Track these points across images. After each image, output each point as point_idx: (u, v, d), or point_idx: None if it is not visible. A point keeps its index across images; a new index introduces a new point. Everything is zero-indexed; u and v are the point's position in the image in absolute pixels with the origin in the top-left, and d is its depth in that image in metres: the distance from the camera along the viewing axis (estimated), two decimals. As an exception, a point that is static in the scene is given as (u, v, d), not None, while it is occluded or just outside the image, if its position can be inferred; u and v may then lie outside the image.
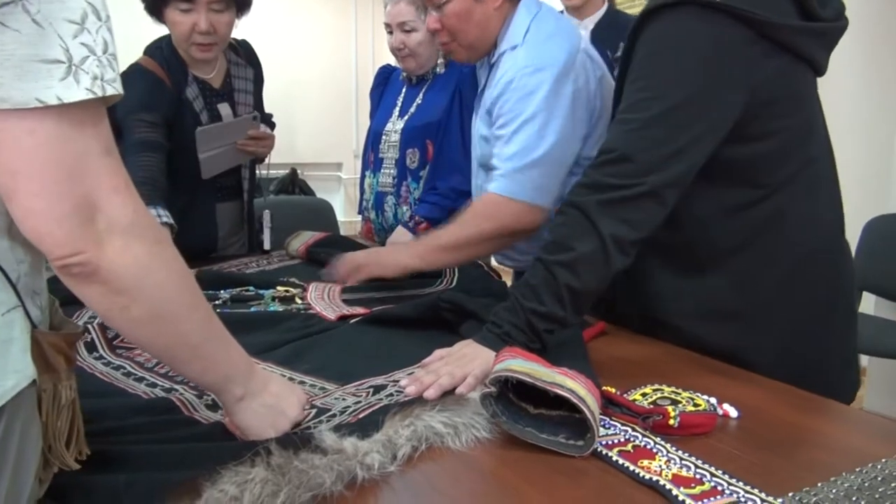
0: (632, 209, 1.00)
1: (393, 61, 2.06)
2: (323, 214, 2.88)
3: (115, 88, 0.56)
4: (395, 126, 1.98)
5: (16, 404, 0.56)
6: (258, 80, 2.01)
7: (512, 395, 0.83)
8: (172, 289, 0.66)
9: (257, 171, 2.07)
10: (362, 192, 2.13)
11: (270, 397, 0.81)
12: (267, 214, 2.03)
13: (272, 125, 2.09)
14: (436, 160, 1.92)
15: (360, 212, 2.19)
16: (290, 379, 1.02)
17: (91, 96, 0.53)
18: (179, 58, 1.79)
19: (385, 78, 2.11)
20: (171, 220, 1.56)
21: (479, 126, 1.55)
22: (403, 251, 1.51)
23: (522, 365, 0.82)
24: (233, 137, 1.85)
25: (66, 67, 0.52)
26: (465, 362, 0.95)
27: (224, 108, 1.88)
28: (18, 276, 0.58)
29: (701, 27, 1.00)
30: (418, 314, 1.25)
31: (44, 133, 0.53)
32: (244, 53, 1.98)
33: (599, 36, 2.09)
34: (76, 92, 0.53)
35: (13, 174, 0.53)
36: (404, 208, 1.95)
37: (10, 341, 0.57)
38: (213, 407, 0.91)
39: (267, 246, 2.03)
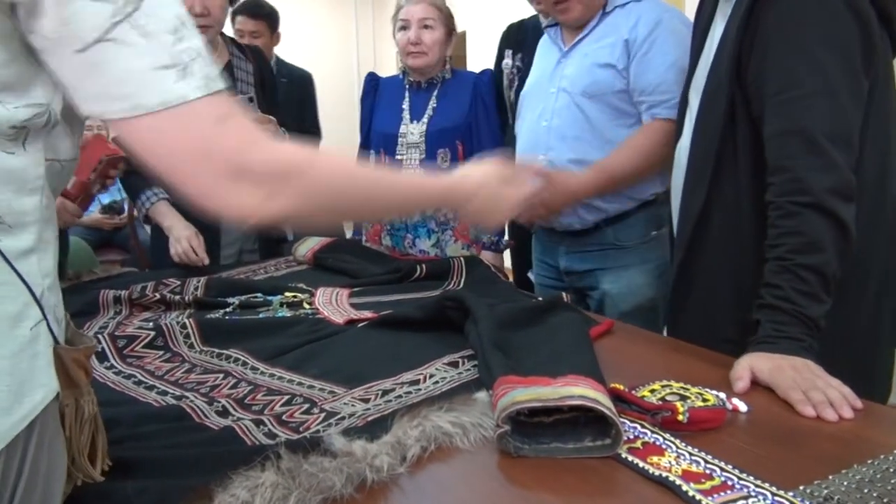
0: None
1: (389, 66, 2.07)
2: None
3: (219, 85, 0.61)
4: (411, 129, 1.99)
5: (44, 418, 0.57)
6: (265, 81, 2.02)
7: (524, 416, 0.82)
8: (361, 183, 0.75)
9: None
10: None
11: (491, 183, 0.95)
12: None
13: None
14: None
15: None
16: (300, 384, 1.02)
17: (205, 92, 0.59)
18: None
19: (374, 86, 2.14)
20: (166, 195, 1.78)
21: (598, 57, 1.65)
22: (573, 182, 1.60)
23: (525, 393, 0.81)
24: None
25: (178, 71, 0.58)
26: (817, 372, 0.94)
27: None
28: (42, 292, 0.59)
29: (842, 3, 1.03)
30: (425, 315, 1.26)
31: (173, 129, 0.58)
32: (251, 55, 2.01)
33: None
34: (192, 90, 0.58)
35: (171, 168, 0.60)
36: None
37: (36, 355, 0.58)
38: (224, 413, 0.92)
39: (290, 236, 2.03)
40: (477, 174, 0.96)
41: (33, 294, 0.58)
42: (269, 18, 3.17)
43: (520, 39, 2.30)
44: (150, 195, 1.82)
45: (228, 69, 1.93)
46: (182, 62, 0.58)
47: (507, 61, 2.29)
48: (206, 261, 1.79)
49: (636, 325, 1.53)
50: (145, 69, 0.56)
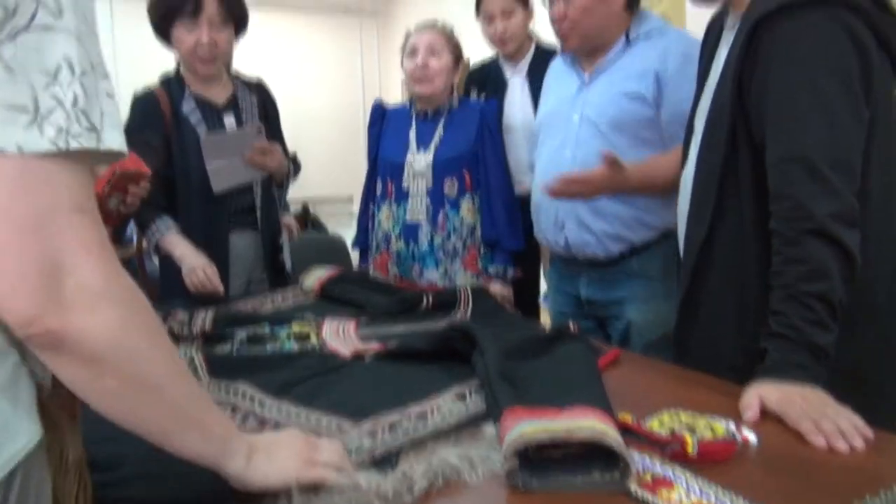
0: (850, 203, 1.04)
1: (394, 95, 2.10)
2: (336, 249, 2.90)
3: (79, 143, 0.52)
4: (417, 158, 2.01)
5: (27, 466, 0.54)
6: (269, 114, 2.06)
7: (531, 450, 0.82)
8: (150, 354, 0.61)
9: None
10: (372, 225, 2.14)
11: (276, 442, 0.77)
12: (285, 233, 2.05)
13: (297, 165, 2.15)
14: (486, 192, 2.01)
15: (363, 244, 2.19)
16: (307, 418, 1.02)
17: (53, 148, 0.51)
18: (180, 78, 1.93)
19: (381, 115, 2.16)
20: (175, 226, 1.82)
21: (626, 87, 1.66)
22: (621, 185, 1.58)
23: (533, 426, 0.81)
24: (240, 149, 1.88)
25: (32, 116, 0.50)
26: (826, 402, 0.94)
27: (229, 120, 1.94)
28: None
29: (841, 30, 1.04)
30: (432, 346, 1.26)
31: (4, 181, 0.50)
32: (255, 87, 2.06)
33: (533, 73, 2.31)
34: (39, 142, 0.50)
35: None
36: (441, 235, 1.97)
37: (17, 400, 0.55)
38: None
39: (288, 265, 2.04)
40: (269, 435, 0.84)
41: (11, 337, 0.55)
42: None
43: (482, 78, 2.46)
44: (160, 225, 1.84)
45: (233, 101, 1.98)
46: (40, 109, 0.50)
47: (473, 97, 2.43)
48: (222, 289, 1.81)
49: (662, 355, 1.52)
50: None
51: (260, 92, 2.07)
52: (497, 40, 2.37)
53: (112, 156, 0.56)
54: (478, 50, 2.72)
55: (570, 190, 1.57)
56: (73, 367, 0.56)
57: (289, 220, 2.42)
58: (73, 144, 0.52)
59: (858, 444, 0.86)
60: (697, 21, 1.74)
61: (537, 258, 2.36)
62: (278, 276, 2.04)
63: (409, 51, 2.02)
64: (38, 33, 0.50)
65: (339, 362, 1.28)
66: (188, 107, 1.90)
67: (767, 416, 0.95)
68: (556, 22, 1.71)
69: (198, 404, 0.68)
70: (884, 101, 1.10)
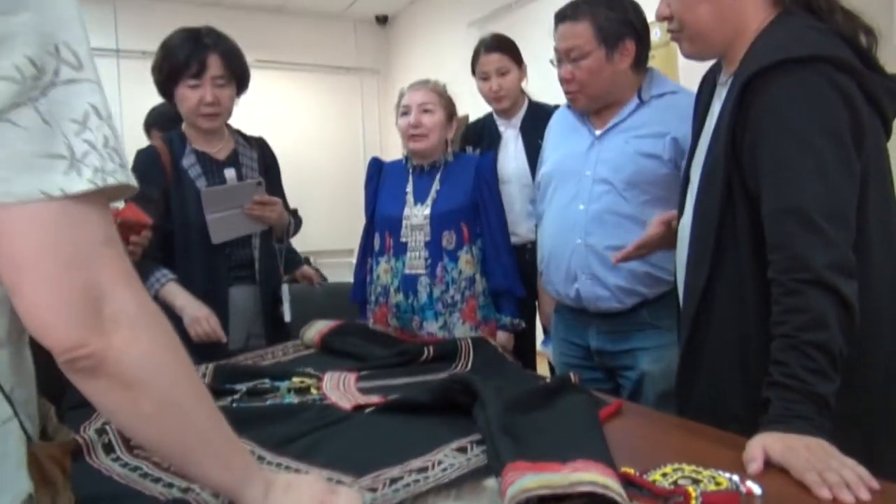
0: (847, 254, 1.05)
1: (395, 150, 2.14)
2: (342, 298, 2.86)
3: (115, 178, 0.57)
4: (414, 211, 2.03)
5: None
6: (269, 170, 2.09)
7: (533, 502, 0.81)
8: (181, 378, 0.65)
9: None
10: (370, 279, 2.15)
11: (296, 481, 0.77)
12: (285, 288, 2.06)
13: (298, 220, 2.17)
14: (490, 244, 2.04)
15: (360, 298, 2.20)
16: (307, 473, 1.01)
17: (92, 186, 0.55)
18: (182, 134, 1.98)
19: (377, 171, 2.19)
20: (174, 276, 1.81)
21: (642, 147, 1.68)
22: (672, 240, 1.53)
23: (535, 480, 0.81)
24: (239, 202, 1.90)
25: (69, 162, 0.54)
26: (830, 452, 0.93)
27: (229, 172, 1.97)
28: (13, 387, 0.56)
29: (831, 88, 1.07)
30: (433, 399, 1.25)
31: (46, 224, 0.54)
32: (256, 144, 2.10)
33: (526, 127, 2.41)
34: (78, 183, 0.54)
35: (18, 268, 0.54)
36: (440, 287, 1.98)
37: (5, 456, 0.55)
38: (230, 506, 0.90)
39: (287, 318, 2.04)
40: (283, 474, 0.83)
41: (2, 389, 0.55)
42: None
43: (477, 134, 2.54)
44: (159, 276, 1.85)
45: (234, 157, 2.01)
46: (76, 154, 0.54)
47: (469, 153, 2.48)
48: (225, 338, 1.82)
49: (674, 406, 1.50)
50: (32, 155, 0.53)
51: (261, 148, 2.11)
52: (492, 97, 2.45)
53: (132, 190, 0.60)
54: (476, 107, 2.80)
55: (635, 255, 1.56)
56: (112, 391, 0.59)
57: (307, 270, 2.43)
58: (110, 180, 0.56)
59: (864, 495, 0.85)
60: (689, 75, 1.79)
61: (534, 305, 2.37)
62: (277, 331, 2.04)
63: (403, 109, 2.06)
64: (65, 87, 0.55)
65: (340, 415, 1.27)
66: (188, 161, 1.93)
67: (772, 468, 0.94)
68: (565, 83, 1.74)
69: (222, 432, 0.70)
70: (875, 155, 1.12)
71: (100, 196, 0.57)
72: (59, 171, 0.54)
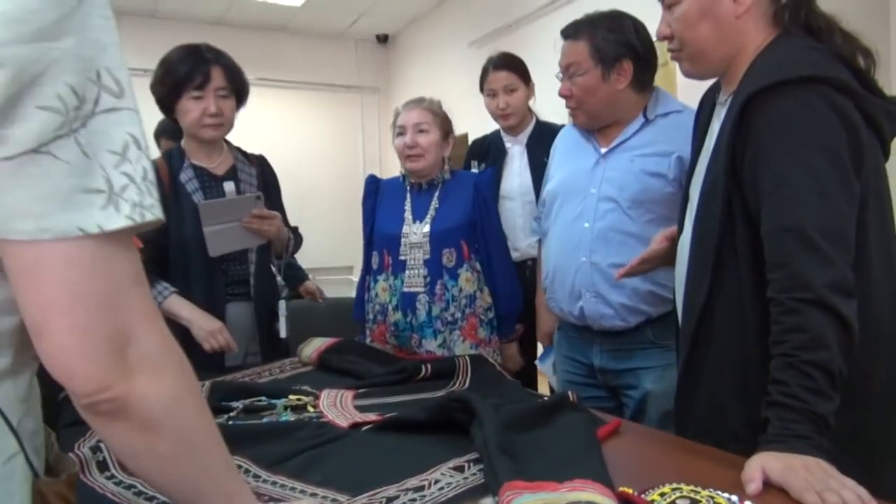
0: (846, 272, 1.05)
1: (394, 168, 2.14)
2: (341, 315, 2.85)
3: (153, 214, 0.55)
4: (414, 229, 2.03)
5: None
6: (269, 186, 2.10)
7: None
8: (198, 419, 0.63)
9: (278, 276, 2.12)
10: (368, 297, 2.15)
11: None
12: (283, 304, 2.05)
13: (299, 238, 2.18)
14: (486, 263, 2.05)
15: (360, 316, 2.19)
16: (302, 492, 1.00)
17: (130, 223, 0.53)
18: (181, 150, 1.99)
19: (375, 188, 2.19)
20: (175, 289, 1.83)
21: (647, 166, 1.69)
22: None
23: (533, 499, 0.80)
24: (237, 215, 1.90)
25: (107, 196, 0.52)
26: (830, 472, 0.92)
27: (228, 185, 1.98)
28: (19, 420, 0.55)
29: (830, 109, 1.07)
30: (430, 417, 1.24)
31: (81, 262, 0.52)
32: (255, 161, 2.11)
33: (532, 144, 2.43)
34: (116, 220, 0.52)
35: (44, 309, 0.52)
36: (440, 305, 1.97)
37: (9, 494, 0.53)
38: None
39: (283, 334, 2.04)
40: None
41: (9, 423, 0.53)
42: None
43: (483, 151, 2.56)
44: (161, 290, 1.84)
45: (232, 172, 2.02)
46: (114, 188, 0.52)
47: (474, 170, 2.53)
48: (237, 349, 1.86)
49: (674, 424, 1.49)
50: (71, 190, 0.51)
51: (260, 165, 2.11)
52: (499, 114, 2.47)
53: (160, 223, 0.58)
54: (475, 125, 2.81)
55: (638, 270, 1.55)
56: (131, 434, 0.57)
57: (310, 285, 2.42)
58: (148, 216, 0.54)
59: None
60: (688, 95, 1.80)
61: (533, 321, 2.37)
62: (274, 348, 2.03)
63: (398, 130, 2.06)
64: (105, 115, 0.53)
65: (336, 433, 1.26)
66: (186, 175, 1.94)
67: (770, 488, 0.93)
68: (564, 98, 1.77)
69: (232, 473, 0.69)
70: (874, 176, 1.12)
71: (129, 232, 0.55)
72: (97, 207, 0.52)
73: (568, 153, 1.90)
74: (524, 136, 2.48)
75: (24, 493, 0.54)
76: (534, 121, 2.50)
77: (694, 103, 1.45)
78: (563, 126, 2.08)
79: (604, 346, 1.78)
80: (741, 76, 1.19)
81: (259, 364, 1.92)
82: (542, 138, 2.35)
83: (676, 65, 1.32)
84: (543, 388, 2.28)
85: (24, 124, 0.49)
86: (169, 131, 3.01)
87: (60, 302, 0.52)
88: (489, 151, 2.54)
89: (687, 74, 1.31)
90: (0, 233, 0.51)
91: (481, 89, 2.51)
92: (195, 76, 1.87)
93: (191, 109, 1.89)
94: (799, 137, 1.08)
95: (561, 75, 1.78)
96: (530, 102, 2.51)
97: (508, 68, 2.45)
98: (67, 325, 0.52)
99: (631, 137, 1.74)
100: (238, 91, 1.98)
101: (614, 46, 1.71)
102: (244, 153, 2.11)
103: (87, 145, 0.51)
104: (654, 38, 1.59)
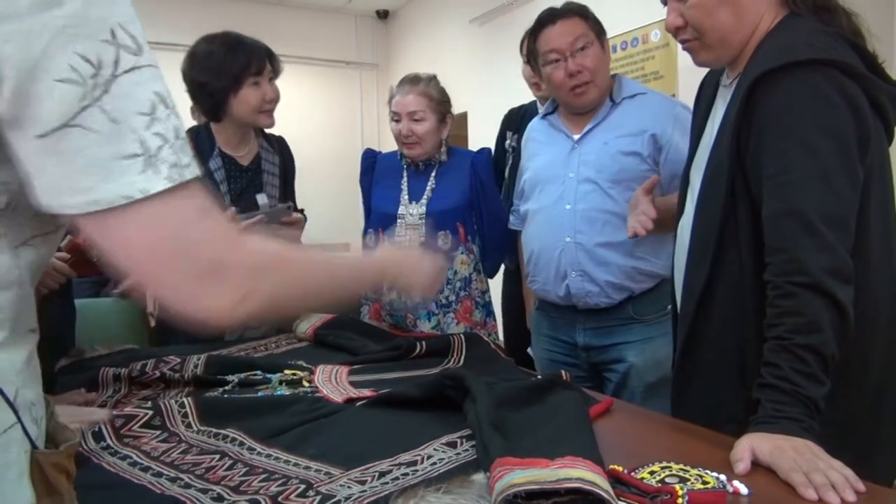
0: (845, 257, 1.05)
1: (393, 144, 2.12)
2: None
3: (192, 172, 0.56)
4: (410, 210, 2.02)
5: None
6: (287, 171, 2.11)
7: (521, 499, 0.81)
8: (307, 273, 0.73)
9: None
10: None
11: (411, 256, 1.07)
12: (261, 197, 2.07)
13: (304, 220, 2.18)
14: (486, 236, 2.05)
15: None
16: (296, 465, 1.01)
17: (171, 184, 0.54)
18: (210, 135, 1.98)
19: (371, 163, 2.18)
20: None
21: (622, 146, 1.74)
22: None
23: (523, 475, 0.81)
24: (269, 223, 1.90)
25: (144, 160, 0.52)
26: (818, 454, 0.93)
27: (262, 199, 1.97)
28: (16, 390, 0.54)
29: (837, 93, 1.07)
30: (424, 394, 1.25)
31: (141, 224, 0.54)
32: (276, 144, 2.12)
33: None
34: (157, 182, 0.53)
35: (133, 271, 0.56)
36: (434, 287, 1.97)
37: (5, 466, 0.52)
38: (219, 499, 0.91)
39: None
40: (396, 251, 1.06)
41: (4, 395, 0.53)
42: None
43: (520, 122, 2.48)
44: None
45: (257, 162, 2.02)
46: (150, 150, 0.53)
47: (508, 141, 2.51)
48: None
49: (660, 397, 1.52)
50: (109, 159, 0.51)
51: (281, 149, 2.12)
52: (533, 82, 2.43)
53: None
54: (475, 102, 2.78)
55: (649, 226, 1.55)
56: (273, 315, 0.71)
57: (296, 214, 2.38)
58: (187, 174, 0.56)
59: (850, 497, 0.85)
60: (689, 77, 1.80)
61: (523, 310, 2.37)
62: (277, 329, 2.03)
63: (393, 116, 2.03)
64: (127, 76, 0.52)
65: (331, 408, 1.27)
66: (215, 164, 1.94)
67: (759, 468, 0.94)
68: (574, 74, 1.75)
69: (346, 269, 0.88)
70: (879, 161, 1.12)
71: (180, 186, 0.56)
72: (136, 172, 0.52)
73: (540, 144, 1.94)
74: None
75: (22, 464, 0.54)
76: None
77: (695, 85, 1.44)
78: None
79: (587, 324, 1.83)
80: (747, 58, 1.18)
81: (255, 339, 1.93)
82: None
83: (678, 46, 1.31)
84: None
85: (47, 101, 0.49)
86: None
87: (139, 261, 0.56)
88: (524, 121, 2.43)
89: (702, 63, 1.29)
90: (53, 208, 0.52)
91: (529, 58, 2.45)
92: (253, 64, 1.88)
93: (251, 98, 1.89)
94: (805, 121, 1.08)
95: (553, 61, 1.77)
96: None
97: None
98: (154, 276, 0.56)
99: (602, 122, 1.79)
100: (276, 75, 2.00)
101: (596, 24, 1.80)
102: (267, 138, 2.10)
103: (113, 111, 0.51)
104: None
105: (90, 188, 0.51)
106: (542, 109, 2.00)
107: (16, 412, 0.54)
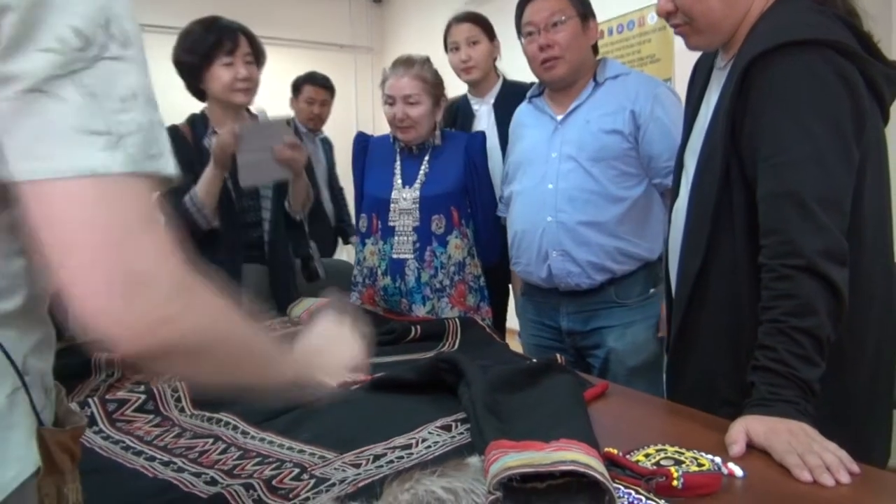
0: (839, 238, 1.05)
1: (386, 127, 2.10)
2: (332, 275, 2.84)
3: (158, 166, 0.55)
4: (403, 194, 2.00)
5: (18, 499, 0.52)
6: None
7: (516, 482, 0.81)
8: (234, 338, 0.64)
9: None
10: (357, 260, 2.14)
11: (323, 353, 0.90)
12: (314, 245, 2.13)
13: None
14: (479, 222, 2.05)
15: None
16: (290, 449, 1.01)
17: (132, 168, 0.52)
18: (205, 117, 2.02)
19: (364, 147, 2.16)
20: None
21: (604, 125, 1.74)
22: None
23: (517, 458, 0.80)
24: (270, 142, 1.90)
25: (109, 139, 0.52)
26: (812, 436, 0.93)
27: (262, 114, 2.02)
28: (25, 356, 0.54)
29: (834, 73, 1.06)
30: (418, 377, 1.25)
31: (84, 202, 0.51)
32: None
33: (499, 104, 2.37)
34: (117, 163, 0.52)
35: (56, 249, 0.52)
36: (429, 272, 1.97)
37: (11, 427, 0.53)
38: (213, 483, 0.90)
39: (322, 275, 2.14)
40: (318, 343, 0.93)
41: (10, 358, 0.54)
42: (332, 89, 3.71)
43: (451, 116, 2.48)
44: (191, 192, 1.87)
45: None
46: (119, 132, 0.52)
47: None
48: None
49: (644, 381, 1.53)
50: (73, 130, 0.50)
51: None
52: (462, 68, 2.43)
53: (168, 182, 0.57)
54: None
55: None
56: (170, 365, 0.60)
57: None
58: (149, 166, 0.54)
59: (844, 478, 0.85)
60: (685, 59, 1.79)
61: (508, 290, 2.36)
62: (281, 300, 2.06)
63: (387, 99, 1.99)
64: (111, 63, 0.52)
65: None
66: (210, 142, 1.94)
67: (754, 450, 0.94)
68: (546, 49, 1.75)
69: (274, 356, 0.75)
70: (874, 142, 1.11)
71: (140, 179, 0.54)
72: (98, 147, 0.51)
73: (525, 127, 1.94)
74: (491, 97, 2.44)
75: (28, 427, 0.54)
76: (500, 81, 2.47)
77: (691, 66, 1.43)
78: (532, 84, 2.06)
79: (569, 308, 1.83)
80: (742, 40, 1.17)
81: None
82: (509, 97, 2.32)
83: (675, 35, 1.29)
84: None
85: (24, 64, 0.49)
86: (312, 79, 3.35)
87: (69, 241, 0.52)
88: (457, 116, 2.49)
89: (694, 47, 1.28)
90: (12, 174, 0.51)
91: (445, 48, 2.47)
92: (225, 42, 1.93)
93: (222, 75, 1.94)
94: (800, 102, 1.07)
95: (527, 34, 1.79)
96: (496, 59, 2.48)
97: (471, 21, 2.43)
98: (77, 263, 0.52)
99: (585, 102, 1.80)
100: (258, 59, 2.03)
101: (582, 5, 1.79)
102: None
103: (89, 86, 0.51)
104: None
105: (48, 155, 0.50)
106: (530, 92, 1.98)
107: (20, 376, 0.54)
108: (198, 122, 2.01)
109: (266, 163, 1.90)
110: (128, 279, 0.52)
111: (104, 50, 0.52)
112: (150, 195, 0.55)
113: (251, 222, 2.01)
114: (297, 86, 3.53)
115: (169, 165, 0.56)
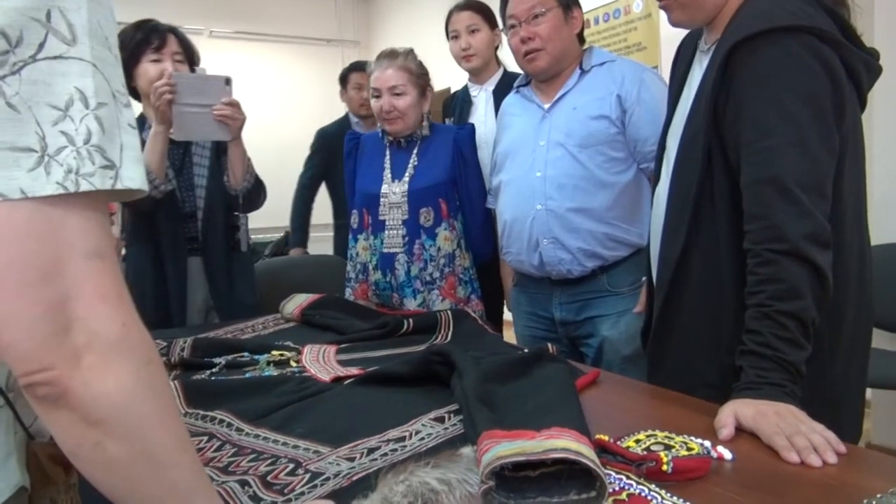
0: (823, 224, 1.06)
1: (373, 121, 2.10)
2: (323, 271, 2.84)
3: (90, 183, 0.48)
4: (393, 188, 2.01)
5: None
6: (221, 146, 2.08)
7: (508, 471, 0.82)
8: (160, 424, 0.53)
9: (250, 235, 2.14)
10: (350, 256, 2.14)
11: None
12: (242, 218, 2.10)
13: (263, 186, 2.17)
14: (467, 214, 2.05)
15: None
16: (285, 444, 1.02)
17: (61, 190, 0.46)
18: (142, 116, 2.04)
19: (355, 145, 2.16)
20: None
21: (591, 110, 1.75)
22: None
23: (509, 447, 0.81)
24: (208, 99, 1.89)
25: (38, 157, 0.46)
26: (800, 418, 0.94)
27: (199, 69, 2.02)
28: (9, 374, 0.52)
29: (815, 60, 1.07)
30: (411, 370, 1.26)
31: (10, 228, 0.46)
32: None
33: (499, 92, 2.37)
34: (44, 185, 0.46)
35: None
36: (418, 265, 1.97)
37: None
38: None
39: (244, 248, 2.11)
40: None
41: None
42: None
43: (453, 105, 2.57)
44: None
45: (187, 141, 2.05)
46: (48, 147, 0.46)
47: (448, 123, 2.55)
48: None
49: (638, 369, 1.54)
50: None
51: None
52: (462, 56, 2.45)
53: (130, 194, 0.51)
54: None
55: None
56: (73, 427, 0.50)
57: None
58: (84, 185, 0.47)
59: (831, 458, 0.87)
60: (671, 50, 1.79)
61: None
62: (229, 305, 2.06)
63: (373, 92, 2.00)
64: (48, 63, 0.46)
65: (319, 387, 1.27)
66: (147, 135, 1.95)
67: (742, 433, 0.96)
68: (527, 41, 1.77)
69: (198, 488, 0.58)
70: (853, 128, 1.12)
71: (82, 200, 0.48)
72: (24, 168, 0.45)
73: (513, 116, 1.95)
74: (490, 85, 2.46)
75: (10, 446, 0.53)
76: (501, 70, 2.48)
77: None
78: None
79: (562, 297, 1.84)
80: (726, 23, 1.18)
81: (241, 321, 1.93)
82: (509, 87, 2.33)
83: (660, 17, 1.30)
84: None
85: None
86: (357, 67, 3.28)
87: None
88: (456, 105, 2.52)
89: (677, 23, 1.28)
90: None
91: (447, 35, 2.48)
92: (153, 39, 1.95)
93: (149, 71, 1.94)
94: (782, 87, 1.08)
95: (510, 27, 1.80)
96: (497, 48, 2.49)
97: (471, 9, 2.44)
98: (2, 294, 0.46)
99: (572, 89, 1.81)
100: (189, 59, 2.04)
101: None
102: None
103: (14, 97, 0.45)
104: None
105: None
106: (517, 81, 1.99)
107: (5, 395, 0.53)
108: (138, 122, 1.99)
109: (204, 118, 1.89)
110: (56, 316, 0.47)
111: (41, 49, 0.46)
112: (98, 216, 0.49)
113: (188, 213, 2.03)
114: (344, 77, 3.47)
115: (129, 176, 0.50)
